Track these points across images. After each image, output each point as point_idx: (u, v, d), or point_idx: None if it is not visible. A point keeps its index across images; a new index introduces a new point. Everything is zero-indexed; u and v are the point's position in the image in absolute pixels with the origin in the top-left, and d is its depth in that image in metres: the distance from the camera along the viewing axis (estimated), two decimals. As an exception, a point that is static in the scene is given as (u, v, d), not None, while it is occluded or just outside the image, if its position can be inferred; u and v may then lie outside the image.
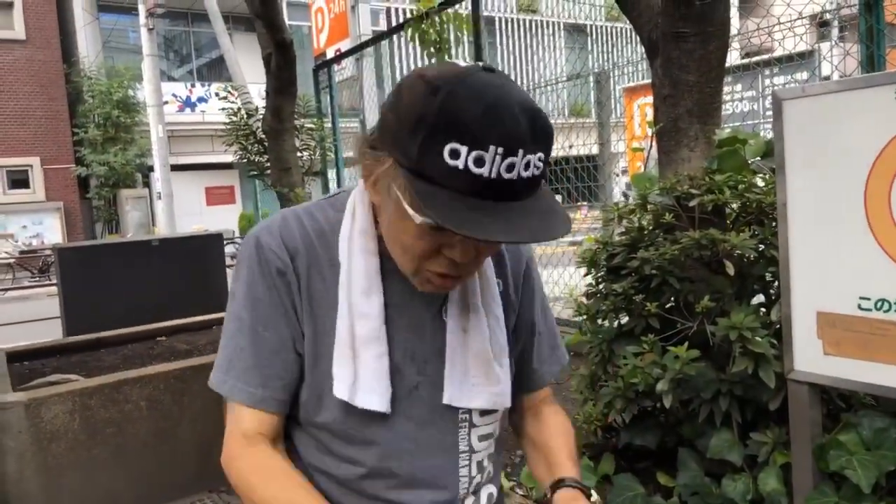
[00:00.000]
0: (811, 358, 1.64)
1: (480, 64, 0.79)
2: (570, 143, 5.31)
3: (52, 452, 3.29)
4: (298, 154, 6.00)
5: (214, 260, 6.31)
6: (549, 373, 1.13)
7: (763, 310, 2.07)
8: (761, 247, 2.01)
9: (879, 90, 1.51)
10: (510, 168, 0.74)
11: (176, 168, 16.05)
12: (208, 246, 6.37)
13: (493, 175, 0.74)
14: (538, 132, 0.76)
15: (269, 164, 6.06)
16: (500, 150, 0.73)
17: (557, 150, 5.34)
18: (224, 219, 17.89)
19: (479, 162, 0.73)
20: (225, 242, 7.61)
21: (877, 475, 1.53)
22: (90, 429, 3.43)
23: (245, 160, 6.16)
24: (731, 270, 1.94)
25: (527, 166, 0.75)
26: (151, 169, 15.66)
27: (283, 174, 5.56)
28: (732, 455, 1.87)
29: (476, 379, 0.96)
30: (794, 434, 1.70)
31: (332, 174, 6.86)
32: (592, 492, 0.99)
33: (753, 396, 1.90)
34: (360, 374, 0.90)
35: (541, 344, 1.10)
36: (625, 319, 2.28)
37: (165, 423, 3.67)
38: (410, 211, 0.79)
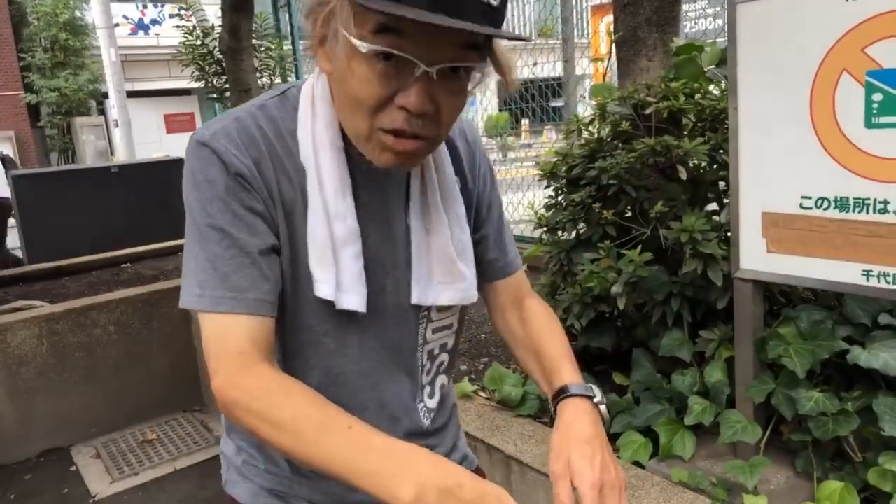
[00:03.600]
0: (755, 257, 1.72)
1: None
2: (534, 62, 5.25)
3: (22, 377, 3.32)
4: (258, 75, 5.84)
5: (176, 186, 6.20)
6: (518, 259, 1.13)
7: (715, 217, 2.14)
8: (714, 153, 2.06)
9: (829, -9, 1.52)
10: None
11: (132, 95, 15.47)
12: (170, 172, 6.25)
13: None
14: None
15: (227, 87, 5.89)
16: None
17: (522, 69, 5.29)
18: (185, 146, 17.42)
19: None
20: (187, 169, 7.46)
21: (811, 363, 1.64)
22: (59, 353, 3.45)
23: (203, 82, 5.97)
24: (683, 175, 1.99)
25: None
26: (106, 96, 15.08)
27: (242, 95, 5.42)
28: (682, 352, 1.97)
29: (441, 278, 0.96)
30: (738, 329, 1.79)
31: (293, 97, 6.69)
32: (597, 391, 0.96)
33: (703, 297, 1.99)
34: (341, 275, 0.88)
35: (501, 231, 1.10)
36: (583, 229, 2.34)
37: (136, 346, 3.71)
38: (356, 41, 0.74)
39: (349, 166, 0.89)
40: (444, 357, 1.07)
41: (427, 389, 1.05)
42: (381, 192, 0.93)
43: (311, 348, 0.93)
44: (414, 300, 0.95)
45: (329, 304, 0.88)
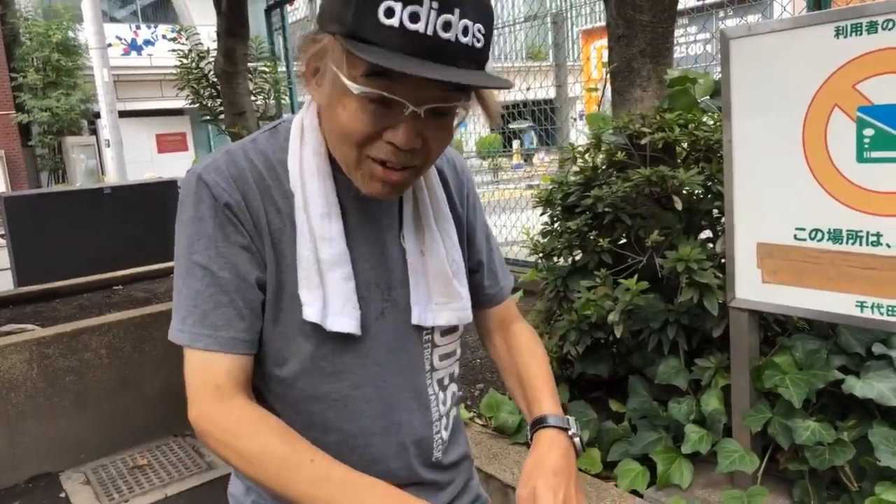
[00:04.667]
0: (751, 286, 1.74)
1: None
2: (527, 86, 5.31)
3: (12, 401, 3.27)
4: (252, 98, 5.87)
5: (169, 208, 6.20)
6: (507, 286, 1.15)
7: (710, 245, 2.16)
8: (709, 183, 2.09)
9: (820, 28, 1.56)
10: (446, 27, 0.73)
11: (124, 114, 15.50)
12: (162, 193, 6.25)
13: (430, 32, 0.73)
14: None
15: (222, 109, 5.92)
16: (434, 4, 0.73)
17: (515, 94, 5.34)
18: (177, 167, 17.40)
19: (414, 17, 0.72)
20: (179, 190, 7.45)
21: (807, 392, 1.66)
22: (49, 377, 3.41)
23: (197, 104, 6.00)
24: (678, 205, 2.01)
25: (465, 31, 0.75)
26: (98, 115, 15.08)
27: (237, 118, 5.45)
28: (678, 380, 1.98)
29: (438, 298, 0.97)
30: (734, 358, 1.81)
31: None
32: (572, 423, 0.99)
33: (699, 325, 2.01)
34: (329, 298, 0.88)
35: (492, 258, 1.12)
36: (579, 256, 2.36)
37: (127, 370, 3.67)
38: (348, 83, 0.77)
39: (339, 192, 0.91)
40: (455, 388, 1.07)
41: (444, 421, 1.04)
42: (372, 216, 0.94)
43: (307, 375, 0.93)
44: (414, 320, 0.96)
45: (323, 329, 0.89)
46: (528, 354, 1.10)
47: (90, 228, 5.65)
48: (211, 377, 0.87)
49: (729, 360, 1.85)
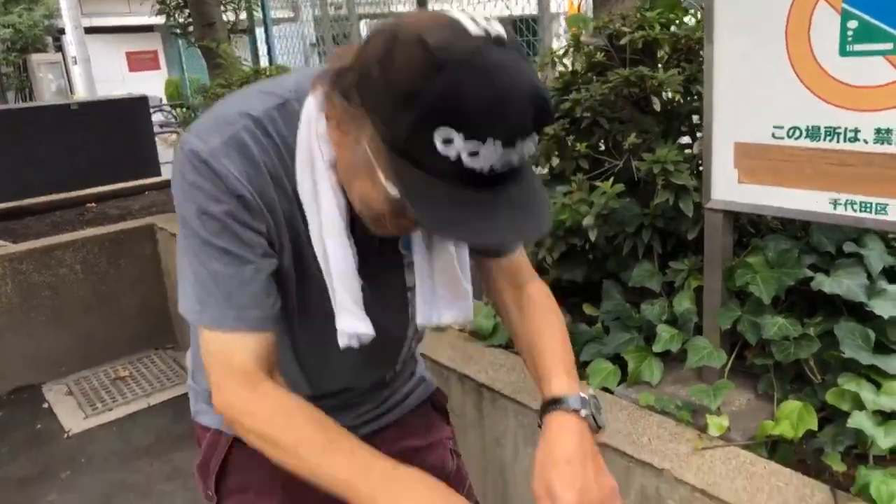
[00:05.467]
0: (727, 187, 1.73)
1: (493, 33, 0.68)
2: (508, -3, 5.13)
3: (-12, 315, 3.26)
4: (222, 9, 5.62)
5: (141, 124, 6.04)
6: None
7: (688, 150, 2.14)
8: (688, 85, 2.05)
9: (809, -87, 1.50)
10: (505, 162, 0.69)
11: (90, 31, 14.83)
12: (133, 110, 6.07)
13: (486, 169, 0.68)
14: (541, 120, 0.70)
15: (191, 21, 5.67)
16: (499, 142, 0.67)
17: (496, 3, 5.17)
18: (149, 86, 16.78)
19: (475, 155, 0.67)
20: (152, 110, 7.25)
21: (777, 289, 1.68)
22: (24, 293, 3.39)
23: (164, 16, 5.74)
24: (657, 106, 1.98)
25: (520, 153, 0.70)
26: (62, 32, 14.45)
27: (206, 30, 5.23)
28: (652, 283, 2.00)
29: (444, 296, 0.96)
30: (707, 259, 1.82)
31: (259, 33, 6.47)
32: (588, 400, 0.92)
33: (674, 228, 2.01)
34: (339, 302, 0.89)
35: None
36: (556, 163, 2.33)
37: (104, 286, 3.66)
38: (385, 182, 0.73)
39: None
40: None
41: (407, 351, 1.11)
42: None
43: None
44: (420, 320, 0.97)
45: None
46: (543, 324, 1.04)
47: (59, 145, 5.50)
48: (237, 363, 0.84)
49: (702, 262, 1.86)
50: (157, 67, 19.14)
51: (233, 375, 0.84)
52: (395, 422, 1.19)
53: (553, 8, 4.54)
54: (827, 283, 1.65)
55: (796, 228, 1.89)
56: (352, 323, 0.88)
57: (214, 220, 0.81)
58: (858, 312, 1.66)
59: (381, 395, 1.16)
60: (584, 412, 0.91)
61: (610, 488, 0.87)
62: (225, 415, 0.85)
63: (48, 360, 3.47)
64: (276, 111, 0.85)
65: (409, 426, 1.21)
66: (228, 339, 0.84)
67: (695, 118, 2.15)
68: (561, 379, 0.95)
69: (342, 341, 0.89)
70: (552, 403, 0.92)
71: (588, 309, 2.21)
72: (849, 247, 1.72)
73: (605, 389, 1.90)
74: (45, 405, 3.18)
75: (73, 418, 3.03)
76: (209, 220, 0.82)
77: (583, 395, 0.94)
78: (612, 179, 2.02)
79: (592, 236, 2.03)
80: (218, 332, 0.84)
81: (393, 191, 0.72)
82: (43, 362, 3.46)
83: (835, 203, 1.56)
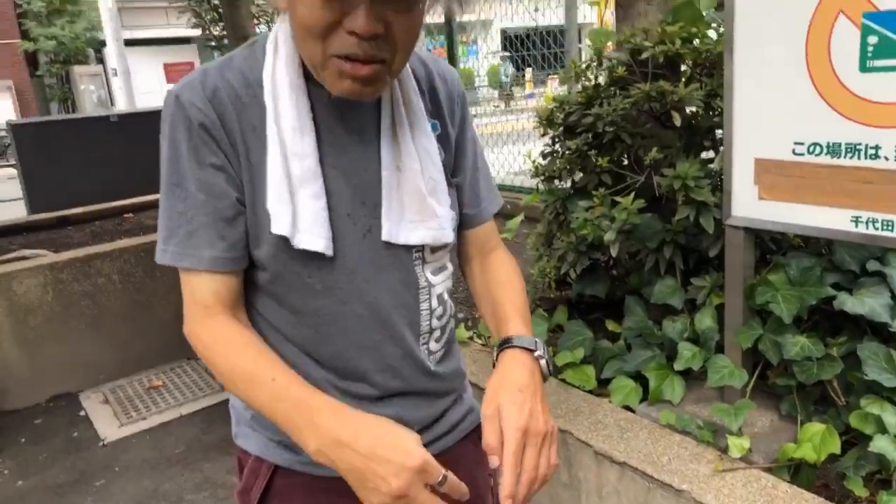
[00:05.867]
0: (747, 204, 1.72)
1: None
2: (535, 7, 5.14)
3: (30, 325, 3.37)
4: (256, 21, 5.75)
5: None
6: (489, 209, 1.12)
7: (710, 165, 2.13)
8: (709, 100, 2.03)
9: (829, -70, 1.48)
10: None
11: (131, 43, 15.27)
12: (170, 121, 6.20)
13: None
14: None
15: (225, 34, 5.80)
16: None
17: (523, 14, 5.18)
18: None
19: None
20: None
21: (798, 308, 1.66)
22: (65, 301, 3.50)
23: (200, 29, 5.89)
24: (677, 121, 1.97)
25: None
26: (104, 44, 14.87)
27: (240, 43, 5.33)
28: (674, 299, 1.99)
29: (412, 216, 0.95)
30: (728, 276, 1.81)
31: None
32: (540, 346, 0.96)
33: (695, 245, 2.00)
34: (298, 215, 0.88)
35: (477, 179, 1.09)
36: (579, 178, 2.33)
37: (140, 295, 3.75)
38: None
39: (314, 107, 0.89)
40: (452, 302, 1.07)
41: (437, 334, 1.04)
42: (351, 131, 0.92)
43: (296, 293, 0.93)
44: (384, 237, 0.94)
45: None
46: (505, 279, 1.08)
47: (99, 156, 5.67)
48: (199, 296, 0.90)
49: (724, 279, 1.84)
50: (195, 77, 19.55)
51: (195, 308, 0.91)
52: (445, 451, 1.12)
53: (580, 18, 4.53)
54: (849, 303, 1.62)
55: (819, 245, 1.86)
56: (309, 240, 0.88)
57: (180, 160, 0.87)
58: (882, 333, 1.63)
59: (429, 413, 1.09)
60: (537, 353, 0.95)
61: (553, 427, 0.90)
62: (187, 338, 0.92)
63: (86, 368, 3.58)
64: (247, 50, 0.93)
65: (457, 456, 1.13)
66: (191, 277, 0.90)
67: (717, 132, 2.13)
68: (518, 324, 0.99)
69: (274, 227, 0.87)
70: (508, 341, 0.96)
71: (611, 325, 2.21)
72: (872, 265, 1.69)
73: (627, 407, 1.89)
74: (82, 412, 3.28)
75: (108, 426, 3.12)
76: (176, 160, 0.88)
77: (537, 340, 0.97)
78: (633, 195, 2.02)
79: (614, 251, 2.03)
80: (183, 270, 0.90)
81: None
82: (81, 370, 3.56)
83: (856, 221, 1.53)
